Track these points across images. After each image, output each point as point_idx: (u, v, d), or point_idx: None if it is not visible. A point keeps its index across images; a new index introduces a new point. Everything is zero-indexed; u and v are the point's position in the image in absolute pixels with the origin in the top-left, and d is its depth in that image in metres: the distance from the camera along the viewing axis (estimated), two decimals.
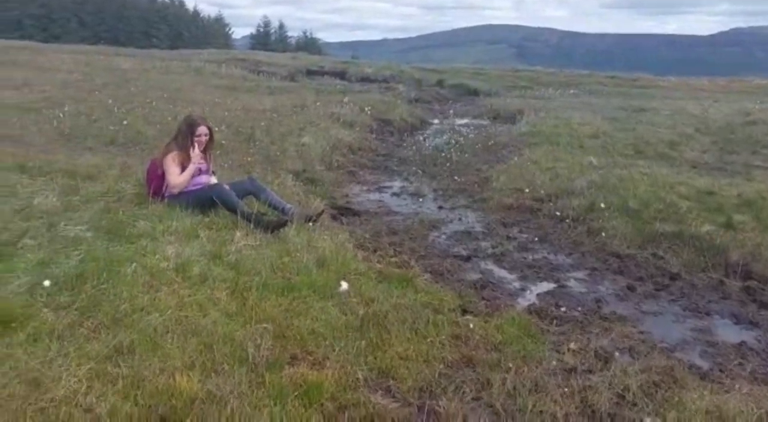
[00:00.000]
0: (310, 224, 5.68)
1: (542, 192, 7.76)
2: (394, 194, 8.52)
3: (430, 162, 10.36)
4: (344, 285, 4.35)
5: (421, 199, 8.24)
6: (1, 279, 3.63)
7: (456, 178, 9.23)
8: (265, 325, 3.53)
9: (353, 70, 30.09)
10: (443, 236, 6.61)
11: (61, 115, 9.56)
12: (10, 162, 6.27)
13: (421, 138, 13.10)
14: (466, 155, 10.45)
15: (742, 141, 11.12)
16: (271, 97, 15.20)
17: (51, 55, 22.46)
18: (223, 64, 24.50)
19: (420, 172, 9.81)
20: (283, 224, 5.25)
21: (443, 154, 10.55)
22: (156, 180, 5.67)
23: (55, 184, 5.82)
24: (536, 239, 6.51)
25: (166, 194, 5.62)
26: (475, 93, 25.50)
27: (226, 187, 5.46)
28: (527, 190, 7.93)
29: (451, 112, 18.35)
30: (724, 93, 27.83)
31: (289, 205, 5.89)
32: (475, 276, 5.49)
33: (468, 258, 5.96)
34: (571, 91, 24.36)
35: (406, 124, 14.70)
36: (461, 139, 11.75)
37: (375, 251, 5.83)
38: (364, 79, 28.23)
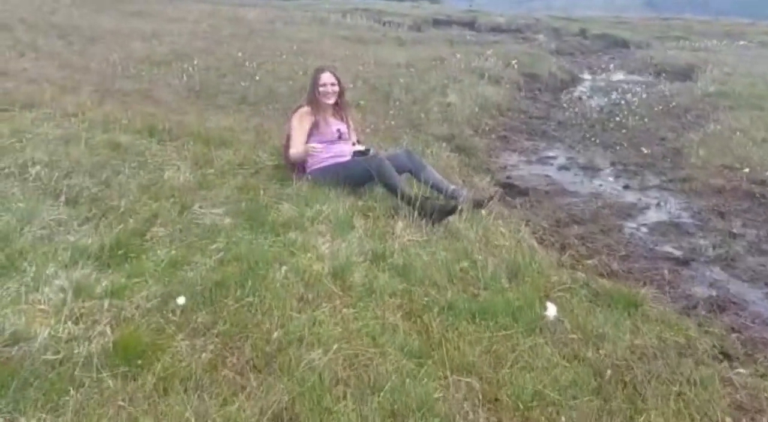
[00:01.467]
0: (483, 212, 4.60)
1: (763, 171, 6.11)
2: (562, 167, 7.19)
3: (597, 127, 8.83)
4: (552, 309, 3.26)
5: (597, 175, 6.87)
6: (129, 288, 2.90)
7: (636, 148, 7.69)
8: (467, 380, 2.53)
9: (483, 19, 28.08)
10: (643, 228, 5.27)
11: (191, 70, 9.07)
12: (139, 124, 5.69)
13: (578, 96, 11.45)
14: (644, 120, 8.78)
15: None
16: (403, 49, 14.07)
17: (178, 4, 22.68)
18: (347, 14, 23.59)
19: (588, 139, 8.35)
20: (453, 210, 4.20)
21: (616, 118, 8.93)
22: None
23: (186, 151, 5.15)
24: None
25: (309, 169, 4.76)
26: (623, 44, 22.81)
27: (386, 160, 4.48)
28: (742, 169, 6.31)
29: (607, 66, 16.26)
30: None
31: (453, 186, 4.83)
32: (704, 290, 4.19)
33: (686, 263, 4.63)
34: (741, 43, 21.02)
35: (555, 79, 13.03)
36: (632, 98, 9.99)
37: (563, 249, 4.66)
38: (496, 29, 26.23)
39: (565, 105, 10.39)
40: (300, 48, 12.34)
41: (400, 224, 4.09)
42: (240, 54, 10.52)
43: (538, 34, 23.77)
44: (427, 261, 3.62)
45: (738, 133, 7.35)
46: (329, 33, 17.12)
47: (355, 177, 4.57)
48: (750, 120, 7.82)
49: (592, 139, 8.29)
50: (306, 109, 4.70)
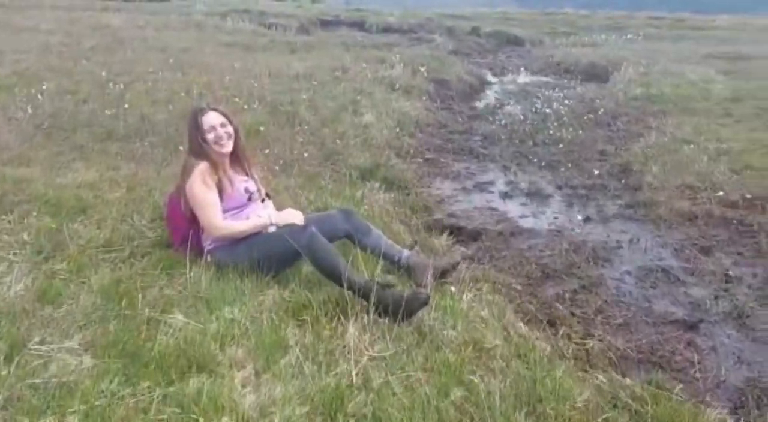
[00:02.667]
0: (451, 288, 3.55)
1: (732, 191, 5.52)
2: (505, 196, 6.29)
3: (529, 141, 8.07)
4: None
5: (547, 204, 6.04)
6: None
7: (578, 166, 6.98)
8: None
9: (373, 19, 27.24)
10: (628, 278, 4.43)
11: (39, 96, 7.29)
12: None
13: (496, 104, 10.73)
14: (577, 131, 8.13)
15: None
16: (297, 57, 12.78)
17: (30, 11, 19.86)
18: (226, 17, 21.82)
19: (522, 156, 7.55)
20: (424, 303, 3.08)
21: (549, 131, 8.20)
22: (183, 224, 3.51)
23: (26, 231, 3.65)
24: None
25: (208, 246, 3.47)
26: (517, 41, 22.85)
27: (319, 235, 3.26)
28: (706, 189, 5.71)
29: (509, 66, 15.88)
30: None
31: (407, 252, 3.74)
32: (737, 370, 3.38)
33: (695, 327, 3.83)
34: (628, 36, 21.62)
35: (465, 85, 12.30)
36: (558, 106, 9.36)
37: (552, 325, 3.69)
38: (388, 30, 25.50)
39: (484, 114, 9.60)
40: (178, 60, 10.70)
41: (351, 330, 2.91)
42: (104, 72, 8.77)
43: (432, 33, 23.26)
44: (405, 398, 2.47)
45: (686, 144, 6.81)
46: (209, 39, 15.42)
47: (278, 257, 3.33)
48: (692, 128, 7.35)
49: (527, 157, 7.51)
50: (204, 165, 3.39)
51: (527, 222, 5.51)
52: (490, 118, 9.38)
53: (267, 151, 6.09)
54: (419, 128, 8.56)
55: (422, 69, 11.06)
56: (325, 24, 26.42)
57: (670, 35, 23.81)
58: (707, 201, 5.51)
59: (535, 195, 6.25)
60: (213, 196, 3.36)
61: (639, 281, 4.38)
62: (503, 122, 8.90)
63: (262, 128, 6.83)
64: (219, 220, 3.36)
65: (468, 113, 9.85)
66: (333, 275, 3.17)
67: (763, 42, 18.46)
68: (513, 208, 5.92)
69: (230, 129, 3.51)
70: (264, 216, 3.46)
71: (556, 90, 11.43)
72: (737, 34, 23.55)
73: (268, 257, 3.29)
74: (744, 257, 4.68)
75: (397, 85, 9.98)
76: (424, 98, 10.13)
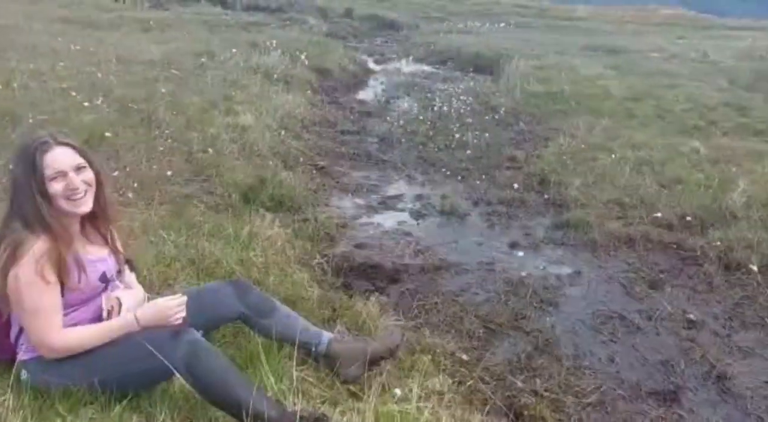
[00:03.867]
0: (395, 391, 2.61)
1: (666, 209, 5.06)
2: (418, 214, 5.44)
3: (429, 143, 7.28)
4: None
5: (466, 225, 5.27)
6: None
7: (490, 176, 6.29)
8: None
9: None
10: (582, 329, 3.74)
11: None
12: None
13: (383, 96, 9.86)
14: (481, 133, 7.46)
15: None
16: (151, 38, 11.03)
17: None
18: None
19: (426, 163, 6.75)
20: None
21: (454, 134, 7.44)
22: None
23: None
24: (740, 319, 3.85)
25: (22, 355, 2.23)
26: (392, 25, 22.28)
27: (204, 342, 2.14)
28: (634, 205, 5.23)
29: (389, 53, 15.15)
30: (650, 25, 26.80)
31: (326, 335, 2.72)
32: None
33: (675, 397, 3.20)
34: (501, 25, 21.80)
35: (348, 74, 11.33)
36: (457, 103, 8.65)
37: (519, 416, 2.88)
38: (253, 8, 23.79)
39: (377, 111, 8.69)
40: None
41: None
42: None
43: (302, 14, 21.97)
44: None
45: (602, 151, 6.36)
46: (40, 11, 13.06)
47: (136, 379, 2.16)
48: (602, 131, 6.94)
49: (432, 164, 6.71)
50: (43, 245, 2.08)
51: (451, 253, 4.68)
52: (384, 116, 8.49)
53: (115, 167, 4.71)
54: (306, 128, 7.47)
55: (302, 56, 9.89)
56: None
57: (539, 25, 24.47)
58: (640, 220, 5.01)
59: (451, 214, 5.45)
60: (52, 297, 2.08)
61: (596, 333, 3.70)
62: (399, 121, 8.04)
63: (108, 133, 5.39)
64: (57, 334, 2.10)
65: (358, 108, 8.88)
66: (227, 404, 2.08)
67: (625, 34, 19.33)
68: (430, 233, 5.08)
69: (90, 174, 2.22)
70: (127, 313, 2.24)
71: (448, 83, 10.81)
72: (600, 26, 24.70)
73: (121, 380, 2.12)
74: (697, 292, 4.17)
75: (275, 76, 8.77)
76: (307, 91, 9.01)
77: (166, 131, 5.78)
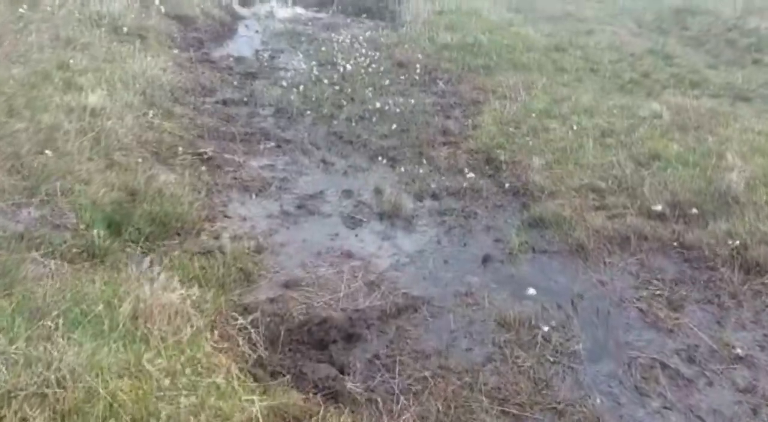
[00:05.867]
0: None
1: (653, 196, 4.24)
2: (350, 220, 4.23)
3: (337, 113, 5.95)
4: None
5: (415, 231, 4.15)
6: None
7: (425, 156, 5.16)
8: None
9: None
10: (622, 394, 2.82)
11: None
12: None
13: (263, 50, 8.24)
14: (400, 98, 6.24)
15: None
16: None
17: None
18: None
19: (341, 140, 5.48)
20: None
21: (359, 96, 6.18)
22: None
23: None
24: None
25: None
26: None
27: None
28: (614, 191, 4.38)
29: None
30: None
31: None
32: None
33: None
34: None
35: (215, 23, 9.46)
36: (356, 58, 7.26)
37: None
38: None
39: (261, 70, 7.11)
40: None
41: None
42: None
43: None
44: None
45: (549, 119, 5.43)
46: None
47: None
48: (542, 92, 6.00)
49: (350, 142, 5.45)
50: None
51: (414, 281, 3.54)
52: (273, 77, 6.96)
53: None
54: (177, 100, 5.82)
55: (156, 1, 7.94)
56: None
57: None
58: (625, 211, 4.17)
59: (394, 216, 4.29)
60: None
61: (643, 397, 2.79)
62: (293, 83, 6.59)
63: None
64: None
65: (238, 69, 7.24)
66: None
67: None
68: (376, 249, 3.89)
69: None
70: None
71: (335, 31, 9.35)
72: None
73: None
74: (724, 309, 3.40)
75: (125, 29, 6.86)
76: (169, 47, 7.20)
77: None
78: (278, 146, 5.38)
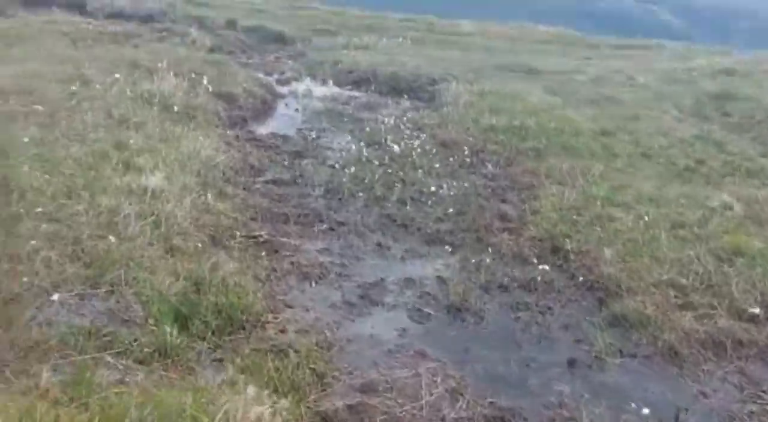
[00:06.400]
0: None
1: (742, 297, 3.99)
2: (417, 313, 4.00)
3: (388, 195, 5.81)
4: None
5: (488, 327, 3.90)
6: None
7: (482, 239, 4.98)
8: None
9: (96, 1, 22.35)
10: None
11: None
12: None
13: (305, 128, 8.24)
14: (452, 181, 6.12)
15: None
16: None
17: None
18: None
19: (394, 224, 5.31)
20: None
21: (409, 178, 6.09)
22: None
23: None
24: None
25: None
26: (281, 39, 20.53)
27: None
28: (696, 288, 4.13)
29: (288, 71, 13.56)
30: (538, 42, 27.24)
31: None
32: None
33: None
34: (399, 40, 20.85)
35: (255, 99, 9.56)
36: (403, 141, 7.21)
37: None
38: (117, 15, 21.01)
39: (306, 150, 7.06)
40: None
41: None
42: None
43: (177, 24, 19.65)
44: None
45: (613, 207, 5.27)
46: None
47: None
48: (600, 178, 5.86)
49: (404, 225, 5.29)
50: None
51: (499, 389, 3.26)
52: (319, 157, 6.91)
53: None
54: (229, 180, 5.72)
55: (204, 81, 8.04)
56: (30, 3, 20.81)
57: (433, 40, 23.86)
58: (714, 312, 3.91)
59: (463, 310, 4.05)
60: None
61: None
62: (342, 164, 6.52)
63: None
64: None
65: (283, 147, 7.21)
66: None
67: (524, 52, 19.08)
68: (449, 348, 3.64)
69: None
70: None
71: (375, 111, 9.41)
72: (491, 42, 24.55)
73: None
74: None
75: (176, 107, 6.90)
76: (216, 126, 7.21)
77: (36, 207, 3.86)
78: (332, 229, 5.22)
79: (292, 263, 4.55)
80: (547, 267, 4.50)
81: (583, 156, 6.65)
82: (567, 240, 4.87)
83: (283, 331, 3.58)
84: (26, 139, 4.77)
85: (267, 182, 6.09)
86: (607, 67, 14.09)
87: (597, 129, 7.59)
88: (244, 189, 5.75)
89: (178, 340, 2.98)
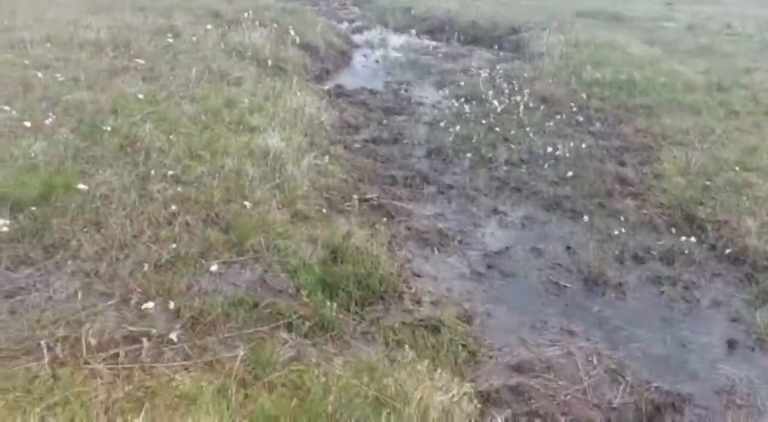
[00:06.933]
0: None
1: None
2: (553, 286, 3.81)
3: (496, 154, 5.57)
4: None
5: (627, 301, 3.70)
6: None
7: (604, 206, 4.74)
8: None
9: None
10: None
11: None
12: None
13: (390, 80, 7.98)
14: (565, 142, 5.82)
15: None
16: (78, 2, 8.55)
17: None
18: None
19: (508, 187, 5.10)
20: None
21: (516, 137, 5.83)
22: None
23: None
24: None
25: None
26: None
27: None
28: None
29: (357, 19, 13.23)
30: None
31: None
32: None
33: None
34: None
35: (335, 50, 9.34)
36: (501, 95, 6.88)
37: None
38: None
39: (398, 104, 6.84)
40: None
41: None
42: None
43: None
44: None
45: (745, 171, 4.92)
46: None
47: None
48: (730, 140, 5.47)
49: (518, 190, 5.07)
50: None
51: (662, 372, 3.09)
52: (414, 113, 6.69)
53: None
54: (330, 139, 5.58)
55: (291, 31, 7.82)
56: None
57: None
58: None
59: (601, 283, 3.85)
60: None
61: None
62: (437, 119, 6.28)
63: (73, 181, 3.40)
64: None
65: (374, 103, 7.00)
66: None
67: None
68: (597, 327, 3.46)
69: None
70: None
71: (458, 61, 9.06)
72: None
73: None
74: None
75: (269, 61, 6.74)
76: (306, 79, 7.05)
77: (162, 168, 3.81)
78: (441, 192, 5.05)
79: (408, 228, 4.41)
80: (684, 239, 4.24)
81: (701, 113, 6.22)
82: (700, 207, 4.58)
83: (418, 302, 3.46)
84: (140, 96, 4.70)
85: (366, 141, 5.92)
86: (698, 14, 13.22)
87: (710, 83, 7.09)
88: (345, 148, 5.61)
89: (334, 313, 2.90)
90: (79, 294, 2.69)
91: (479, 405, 2.53)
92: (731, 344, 3.34)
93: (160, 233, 3.26)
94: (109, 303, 2.69)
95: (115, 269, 2.92)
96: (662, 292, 3.81)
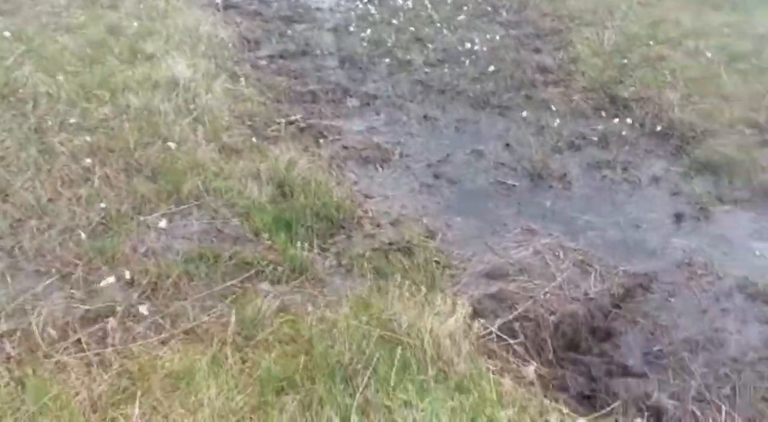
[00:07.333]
0: None
1: None
2: (503, 186, 3.79)
3: (412, 56, 5.34)
4: None
5: (573, 190, 3.76)
6: None
7: (531, 96, 4.71)
8: None
9: None
10: None
11: None
12: None
13: None
14: (473, 34, 5.66)
15: None
16: None
17: None
18: None
19: (431, 89, 4.94)
20: None
21: (436, 36, 5.59)
22: None
23: None
24: None
25: None
26: None
27: None
28: None
29: None
30: None
31: None
32: None
33: None
34: None
35: None
36: None
37: None
38: None
39: (296, 12, 6.32)
40: None
41: None
42: None
43: None
44: None
45: (662, 45, 5.01)
46: None
47: None
48: (636, 15, 5.50)
49: (442, 91, 4.91)
50: None
51: (625, 256, 3.18)
52: (315, 19, 6.23)
53: None
54: (231, 57, 5.09)
55: None
56: None
57: None
58: None
59: (546, 176, 3.86)
60: None
61: None
62: (345, 25, 5.90)
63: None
64: None
65: (268, 13, 6.42)
66: None
67: None
68: (552, 220, 3.49)
69: None
70: None
71: None
72: None
73: None
74: None
75: None
76: None
77: (58, 115, 3.30)
78: (366, 104, 4.80)
79: (345, 147, 4.18)
80: (615, 121, 4.32)
81: None
82: (620, 87, 4.66)
83: (378, 225, 3.32)
84: (6, 33, 3.99)
85: (272, 56, 5.46)
86: None
87: None
88: (253, 67, 5.15)
89: (305, 253, 2.70)
90: (8, 278, 2.32)
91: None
92: (678, 217, 3.50)
93: (80, 192, 2.85)
94: (47, 282, 2.34)
95: (40, 242, 2.54)
96: (604, 176, 3.90)
